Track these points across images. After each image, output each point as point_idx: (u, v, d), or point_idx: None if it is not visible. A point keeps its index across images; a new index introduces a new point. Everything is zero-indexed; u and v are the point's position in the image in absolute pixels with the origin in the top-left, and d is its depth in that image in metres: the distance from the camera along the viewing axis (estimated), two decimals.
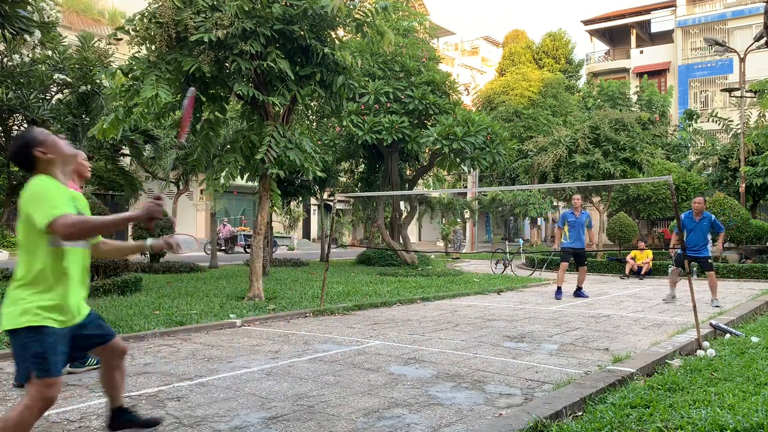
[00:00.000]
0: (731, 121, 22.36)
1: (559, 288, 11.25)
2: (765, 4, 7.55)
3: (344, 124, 15.56)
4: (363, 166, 21.15)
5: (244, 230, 30.04)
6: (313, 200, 31.13)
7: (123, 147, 15.30)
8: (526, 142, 27.40)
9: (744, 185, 19.21)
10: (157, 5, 8.35)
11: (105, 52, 12.27)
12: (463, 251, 31.06)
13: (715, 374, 4.87)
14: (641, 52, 40.91)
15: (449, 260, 24.52)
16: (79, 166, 3.78)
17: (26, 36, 9.57)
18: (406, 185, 19.87)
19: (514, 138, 25.27)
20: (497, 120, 29.81)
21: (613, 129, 20.76)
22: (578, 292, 11.38)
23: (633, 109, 27.82)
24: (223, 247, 27.03)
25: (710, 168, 22.51)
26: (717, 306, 9.49)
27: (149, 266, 15.22)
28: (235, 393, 4.51)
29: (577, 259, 11.45)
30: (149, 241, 3.26)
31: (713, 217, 10.25)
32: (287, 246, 34.22)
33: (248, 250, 27.63)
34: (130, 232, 18.86)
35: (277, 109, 9.31)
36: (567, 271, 11.58)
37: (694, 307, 6.50)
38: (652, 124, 25.64)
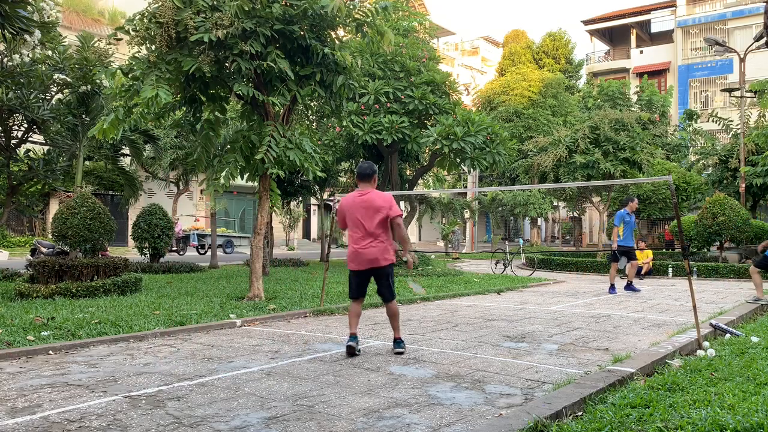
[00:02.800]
0: (731, 121, 22.35)
1: (612, 285, 12.10)
2: (765, 4, 7.55)
3: (344, 124, 15.56)
4: None
5: (197, 228, 27.11)
6: (313, 200, 31.13)
7: (123, 147, 15.32)
8: (526, 142, 27.39)
9: (744, 185, 19.21)
10: (157, 5, 8.35)
11: (105, 52, 12.27)
12: (463, 251, 31.06)
13: (715, 374, 4.87)
14: (641, 52, 40.92)
15: (449, 260, 24.51)
16: None
17: (26, 36, 9.58)
18: (406, 185, 19.86)
19: (514, 138, 25.27)
20: (497, 120, 29.80)
21: (613, 129, 20.76)
22: (630, 287, 12.22)
23: (633, 109, 27.81)
24: (174, 248, 23.89)
25: (710, 168, 22.50)
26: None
27: (149, 266, 15.23)
28: (235, 393, 4.51)
29: (629, 256, 12.27)
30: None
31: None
32: (287, 245, 34.18)
33: (202, 251, 25.92)
34: (130, 232, 18.86)
35: (277, 109, 9.30)
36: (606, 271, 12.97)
37: (694, 307, 6.50)
38: (652, 124, 25.63)
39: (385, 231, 5.89)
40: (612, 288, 12.05)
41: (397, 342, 6.03)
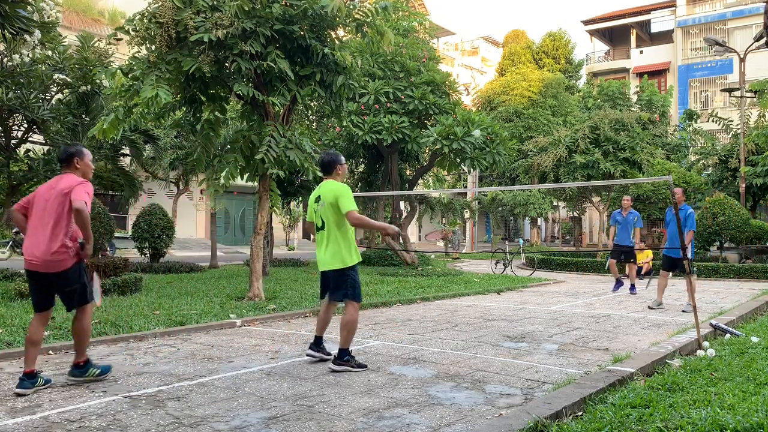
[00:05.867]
0: (731, 121, 22.34)
1: (617, 280, 12.06)
2: (765, 4, 7.55)
3: (344, 124, 15.56)
4: (363, 166, 21.16)
5: None
6: None
7: (123, 147, 15.30)
8: (526, 142, 27.39)
9: (744, 185, 19.20)
10: (157, 5, 8.35)
11: (105, 52, 12.27)
12: (463, 251, 31.06)
13: (715, 374, 4.87)
14: (641, 52, 40.91)
15: (449, 260, 24.51)
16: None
17: (26, 36, 9.57)
18: (406, 185, 19.86)
19: (514, 138, 25.26)
20: (497, 120, 29.79)
21: (613, 129, 20.76)
22: (631, 289, 11.93)
23: (633, 109, 27.78)
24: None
25: (710, 168, 22.49)
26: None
27: (149, 266, 15.23)
28: (235, 393, 4.51)
29: (626, 256, 12.09)
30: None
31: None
32: (287, 245, 34.12)
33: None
34: (130, 232, 18.88)
35: (277, 109, 9.30)
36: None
37: (694, 307, 6.50)
38: (652, 124, 25.61)
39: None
40: (617, 283, 12.01)
41: (79, 367, 4.76)
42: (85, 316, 4.81)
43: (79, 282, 4.70)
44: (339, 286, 5.32)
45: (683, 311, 9.11)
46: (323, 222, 5.35)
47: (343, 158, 5.57)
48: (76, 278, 4.68)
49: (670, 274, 9.94)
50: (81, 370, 4.75)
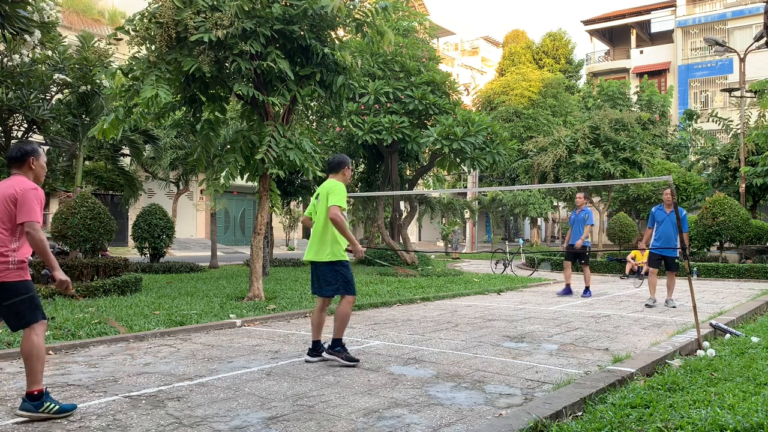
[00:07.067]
0: (731, 121, 22.34)
1: (567, 285, 11.64)
2: (765, 4, 7.55)
3: (344, 124, 15.55)
4: (363, 166, 21.15)
5: None
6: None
7: (123, 147, 15.30)
8: (526, 142, 27.35)
9: (744, 185, 19.20)
10: (157, 5, 8.35)
11: (105, 52, 12.27)
12: (463, 251, 31.06)
13: (715, 374, 4.87)
14: (641, 52, 40.89)
15: (449, 260, 24.51)
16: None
17: (26, 36, 9.56)
18: (406, 185, 19.86)
19: (514, 138, 25.25)
20: (497, 120, 29.78)
21: (613, 129, 20.74)
22: (565, 290, 11.63)
23: (633, 109, 27.77)
24: None
25: (710, 168, 22.49)
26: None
27: (149, 266, 15.22)
28: (235, 393, 4.51)
29: (578, 257, 11.47)
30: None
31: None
32: (287, 245, 34.09)
33: None
34: (130, 232, 18.89)
35: (277, 109, 9.30)
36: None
37: (694, 307, 6.49)
38: (652, 124, 25.60)
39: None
40: (566, 289, 11.58)
41: (32, 398, 3.88)
42: (33, 334, 3.91)
43: (23, 294, 3.90)
44: (330, 281, 5.55)
45: (673, 307, 9.60)
46: (319, 216, 5.69)
47: (350, 163, 5.97)
48: (16, 292, 3.87)
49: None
50: (34, 402, 3.85)
